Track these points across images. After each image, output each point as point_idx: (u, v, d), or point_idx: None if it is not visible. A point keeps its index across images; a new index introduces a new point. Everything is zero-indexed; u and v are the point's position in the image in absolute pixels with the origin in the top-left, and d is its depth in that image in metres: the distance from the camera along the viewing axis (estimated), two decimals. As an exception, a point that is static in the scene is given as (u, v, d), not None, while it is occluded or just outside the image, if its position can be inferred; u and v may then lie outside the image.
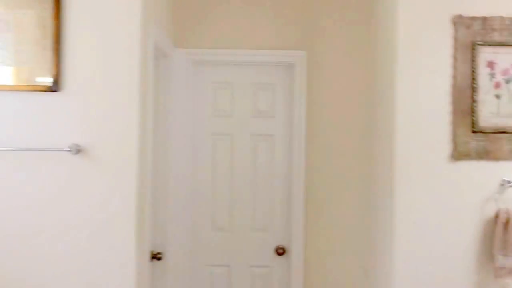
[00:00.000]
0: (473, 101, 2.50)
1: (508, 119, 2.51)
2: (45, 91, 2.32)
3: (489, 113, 2.51)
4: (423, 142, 2.53)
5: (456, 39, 2.50)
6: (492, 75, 2.50)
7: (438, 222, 2.53)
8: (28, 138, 2.33)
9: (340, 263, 3.23)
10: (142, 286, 2.50)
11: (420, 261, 2.53)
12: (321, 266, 3.24)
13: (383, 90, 2.81)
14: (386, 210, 2.70)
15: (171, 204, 3.24)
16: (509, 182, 2.50)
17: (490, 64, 2.50)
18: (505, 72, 2.50)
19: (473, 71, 2.50)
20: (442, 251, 2.53)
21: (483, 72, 2.50)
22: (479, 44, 2.49)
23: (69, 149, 2.32)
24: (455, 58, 2.51)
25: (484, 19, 2.50)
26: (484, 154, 2.51)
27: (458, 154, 2.52)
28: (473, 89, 2.50)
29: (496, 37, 2.49)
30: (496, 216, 2.49)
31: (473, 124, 2.50)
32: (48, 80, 2.32)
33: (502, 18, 2.49)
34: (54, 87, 2.32)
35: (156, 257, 3.00)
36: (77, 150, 2.33)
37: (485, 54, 2.50)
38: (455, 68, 2.51)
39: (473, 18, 2.50)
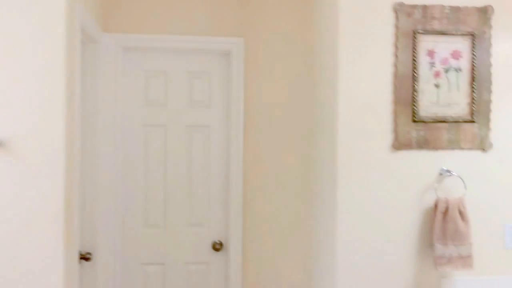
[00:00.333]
0: (414, 90, 2.48)
1: (447, 108, 2.51)
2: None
3: (429, 102, 2.50)
4: (365, 132, 2.48)
5: (397, 27, 2.47)
6: (432, 64, 2.49)
7: (380, 212, 2.50)
8: None
9: (280, 257, 3.16)
10: (71, 291, 2.30)
11: (362, 252, 2.50)
12: (260, 260, 3.15)
13: (325, 79, 2.75)
14: (328, 201, 2.64)
15: (100, 200, 3.03)
16: (447, 171, 2.51)
17: (430, 53, 2.49)
18: (444, 61, 2.50)
19: (414, 60, 2.48)
20: (383, 241, 2.51)
21: (423, 61, 2.49)
22: (419, 33, 2.47)
23: (-16, 141, 2.08)
24: (396, 47, 2.47)
25: (425, 8, 2.48)
26: (424, 144, 2.51)
27: (399, 144, 2.50)
28: (414, 78, 2.48)
29: (436, 25, 2.48)
30: (436, 205, 2.49)
31: (414, 113, 2.49)
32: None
33: (442, 6, 2.48)
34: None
35: (84, 257, 2.80)
36: (-6, 142, 2.09)
37: (425, 42, 2.48)
38: (396, 56, 2.48)
39: (414, 6, 2.47)
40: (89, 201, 2.94)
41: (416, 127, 2.50)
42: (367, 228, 2.50)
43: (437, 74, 2.50)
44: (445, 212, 2.47)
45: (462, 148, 2.53)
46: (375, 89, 2.49)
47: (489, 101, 2.53)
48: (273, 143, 3.15)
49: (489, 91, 2.53)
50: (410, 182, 2.51)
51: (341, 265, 2.49)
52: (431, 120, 2.50)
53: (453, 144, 2.52)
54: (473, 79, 2.51)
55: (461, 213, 2.46)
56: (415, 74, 2.48)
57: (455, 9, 2.50)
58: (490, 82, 2.53)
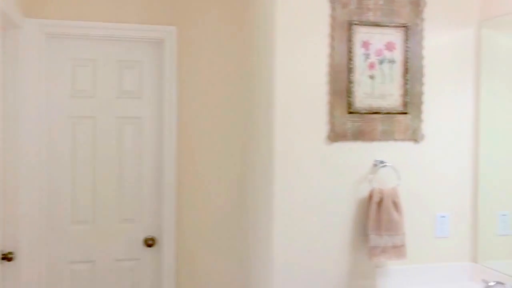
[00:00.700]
0: (350, 81, 2.48)
1: (381, 100, 2.53)
2: None
3: (364, 94, 2.51)
4: (302, 124, 2.46)
5: (333, 17, 2.46)
6: (367, 56, 2.50)
7: (316, 204, 2.49)
8: None
9: (215, 251, 3.09)
10: (-10, 294, 2.13)
11: (298, 243, 2.48)
12: (194, 255, 3.07)
13: (261, 70, 2.70)
14: (264, 193, 2.60)
15: (22, 196, 2.83)
16: (382, 162, 2.53)
17: (365, 44, 2.50)
18: (378, 52, 2.52)
19: (350, 51, 2.47)
20: (319, 232, 2.50)
21: (358, 52, 2.49)
22: (355, 24, 2.47)
23: None
24: (332, 38, 2.46)
25: (360, -2, 2.49)
26: (359, 135, 2.51)
27: (335, 135, 2.49)
28: (350, 69, 2.48)
29: (371, 17, 2.49)
30: (370, 196, 2.51)
31: (349, 105, 2.49)
32: None
33: (374, -3, 2.50)
34: None
35: (6, 257, 2.62)
36: None
37: (360, 34, 2.49)
38: (332, 47, 2.47)
39: (350, -3, 2.47)
40: (10, 198, 2.74)
41: (351, 118, 2.50)
42: (303, 219, 2.48)
43: (371, 66, 2.51)
44: (380, 202, 2.49)
45: (395, 139, 2.56)
46: (312, 80, 2.46)
47: (421, 93, 2.58)
48: (208, 135, 3.07)
49: (421, 83, 2.58)
50: (345, 173, 2.52)
51: (277, 256, 2.46)
52: (366, 112, 2.51)
53: (387, 135, 2.55)
54: (406, 71, 2.55)
55: (395, 204, 2.49)
56: (350, 66, 2.48)
57: (389, 1, 2.52)
58: (422, 74, 2.57)
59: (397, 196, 2.50)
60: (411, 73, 2.55)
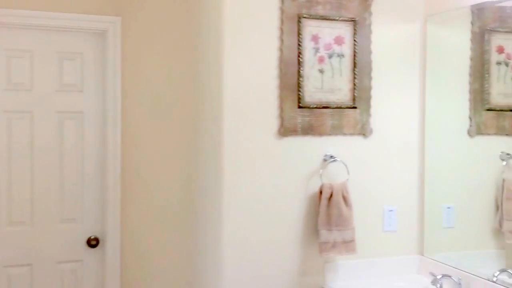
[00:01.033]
0: (299, 75, 2.45)
1: (331, 94, 2.52)
2: None
3: (314, 88, 2.49)
4: (252, 118, 2.41)
5: (282, 10, 2.42)
6: (316, 50, 2.48)
7: (266, 199, 2.45)
8: None
9: (162, 251, 2.98)
10: None
11: (249, 240, 2.43)
12: (140, 255, 2.96)
13: (209, 63, 2.63)
14: (214, 190, 2.53)
15: (-47, 196, 2.65)
16: (331, 157, 2.52)
17: (315, 38, 2.47)
18: (328, 46, 2.50)
19: (299, 45, 2.44)
20: (269, 228, 2.46)
21: (308, 46, 2.46)
22: (304, 17, 2.44)
23: None
24: (281, 31, 2.42)
25: (309, -9, 2.46)
26: (309, 130, 2.49)
27: (285, 130, 2.46)
28: (299, 63, 2.45)
29: (320, 10, 2.47)
30: (320, 191, 2.49)
31: (299, 99, 2.46)
32: None
33: (326, -9, 2.48)
34: None
35: None
36: None
37: (310, 27, 2.46)
38: (282, 41, 2.43)
39: (299, -10, 2.44)
40: None
41: (301, 113, 2.47)
42: (253, 215, 2.43)
43: (321, 60, 2.49)
44: (330, 198, 2.47)
45: (344, 134, 2.55)
46: (261, 74, 2.42)
47: (369, 87, 2.58)
48: (154, 130, 2.96)
49: (370, 78, 2.58)
50: (296, 169, 2.49)
51: (227, 253, 2.40)
52: (316, 106, 2.49)
53: (337, 130, 2.53)
54: (355, 65, 2.54)
55: (344, 198, 2.48)
56: (300, 59, 2.45)
57: (338, -5, 2.51)
58: (370, 69, 2.58)
59: (346, 191, 2.49)
60: (359, 68, 2.55)
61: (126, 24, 2.89)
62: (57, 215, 2.91)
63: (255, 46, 2.40)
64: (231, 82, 2.38)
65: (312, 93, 2.48)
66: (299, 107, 2.46)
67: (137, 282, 2.96)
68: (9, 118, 2.82)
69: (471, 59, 2.65)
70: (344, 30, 2.52)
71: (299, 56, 2.44)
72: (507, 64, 2.66)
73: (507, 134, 2.68)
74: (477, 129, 2.67)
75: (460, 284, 2.35)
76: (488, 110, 2.66)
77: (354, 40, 2.53)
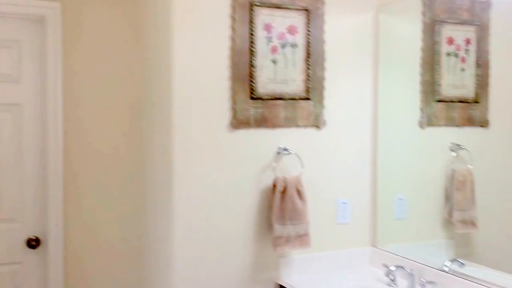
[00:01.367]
0: (252, 66, 2.38)
1: (284, 85, 2.46)
2: None
3: (267, 79, 2.42)
4: (203, 111, 2.32)
5: (234, -3, 2.33)
6: (269, 39, 2.41)
7: (218, 194, 2.37)
8: None
9: (108, 251, 2.84)
10: None
11: (200, 236, 2.35)
12: (85, 256, 2.81)
13: (158, 52, 2.50)
14: (163, 184, 2.43)
15: None
16: (285, 149, 2.46)
17: (267, 27, 2.40)
18: (281, 36, 2.43)
19: (251, 34, 2.37)
20: (222, 224, 2.39)
21: (261, 35, 2.39)
22: (256, 5, 2.37)
23: None
24: (233, 19, 2.34)
25: (261, -21, 2.38)
26: (262, 122, 2.43)
27: (237, 122, 2.38)
28: (252, 53, 2.37)
29: (273, -2, 2.40)
30: (274, 185, 2.43)
31: (252, 90, 2.39)
32: None
33: (278, -22, 2.41)
34: None
35: None
36: None
37: (262, 16, 2.38)
38: (233, 29, 2.34)
39: (251, -23, 2.36)
40: None
41: (254, 104, 2.40)
42: (205, 210, 2.35)
43: (274, 50, 2.42)
44: (284, 191, 2.42)
45: (298, 126, 2.50)
46: (212, 64, 2.33)
47: (323, 78, 2.54)
48: (99, 122, 2.80)
49: (323, 68, 2.54)
50: (249, 162, 2.42)
51: (177, 252, 2.32)
52: (269, 97, 2.43)
53: (290, 122, 2.48)
54: (308, 55, 2.49)
55: (298, 192, 2.44)
56: (252, 49, 2.37)
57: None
58: (323, 59, 2.53)
59: (300, 184, 2.45)
60: (313, 58, 2.50)
61: (67, 10, 2.71)
62: (-7, 214, 2.72)
63: (205, 34, 2.30)
64: (180, 72, 2.28)
65: (265, 84, 2.41)
66: (252, 98, 2.39)
67: (83, 284, 2.81)
68: None
69: (422, 50, 2.66)
70: (297, 20, 2.46)
71: (251, 46, 2.37)
72: (456, 55, 2.69)
73: (456, 125, 2.71)
74: (428, 121, 2.68)
75: (412, 274, 2.36)
76: (439, 101, 2.68)
77: (307, 30, 2.48)
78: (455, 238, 2.67)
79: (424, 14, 2.63)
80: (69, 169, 2.76)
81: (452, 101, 2.69)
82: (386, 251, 2.63)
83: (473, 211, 2.64)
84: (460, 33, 2.68)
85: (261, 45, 2.39)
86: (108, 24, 2.79)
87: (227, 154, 2.38)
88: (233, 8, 2.33)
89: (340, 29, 2.57)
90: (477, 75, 2.69)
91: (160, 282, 2.51)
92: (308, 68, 2.49)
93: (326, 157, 2.58)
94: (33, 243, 2.77)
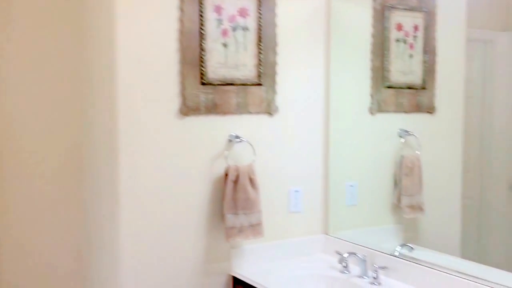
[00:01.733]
0: (202, 49, 2.27)
1: (235, 70, 2.37)
2: None
3: (217, 63, 2.32)
4: (151, 97, 2.20)
5: (182, -23, 2.21)
6: (219, 22, 2.30)
7: (168, 183, 2.27)
8: None
9: (48, 243, 2.65)
10: None
11: (149, 230, 2.24)
12: (20, 249, 2.61)
13: (100, 36, 2.33)
14: (108, 175, 2.28)
15: None
16: (237, 137, 2.38)
17: (218, 9, 2.30)
18: (231, 18, 2.34)
19: (201, 16, 2.25)
20: (172, 215, 2.29)
21: (211, 17, 2.28)
22: (206, -14, 2.26)
23: None
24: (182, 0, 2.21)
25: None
26: (213, 108, 2.33)
27: (187, 108, 2.27)
28: (201, 36, 2.26)
29: (222, -21, 2.30)
30: (226, 174, 2.35)
31: (202, 75, 2.28)
32: None
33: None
34: None
35: None
36: None
37: (212, -4, 2.28)
38: (182, 10, 2.22)
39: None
40: None
41: (204, 90, 2.30)
42: (154, 201, 2.24)
43: (224, 33, 2.32)
44: (236, 180, 2.35)
45: (250, 113, 2.43)
46: (160, 47, 2.21)
47: (274, 63, 2.47)
48: (30, 114, 2.58)
49: (275, 53, 2.47)
50: (199, 150, 2.32)
51: (125, 245, 2.21)
52: (220, 83, 2.33)
53: (242, 109, 2.40)
54: (259, 39, 2.41)
55: (251, 181, 2.37)
56: (202, 32, 2.26)
57: (242, -38, 2.35)
58: (275, 43, 2.46)
59: (253, 172, 2.38)
60: (264, 42, 2.42)
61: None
62: None
63: (152, 16, 2.18)
64: (125, 56, 2.14)
65: (215, 68, 2.31)
66: (202, 84, 2.28)
67: (18, 279, 2.62)
68: None
69: (373, 36, 2.65)
70: (248, 2, 2.36)
71: (201, 28, 2.26)
72: (405, 42, 2.70)
73: (405, 112, 2.73)
74: (378, 107, 2.69)
75: (365, 260, 2.36)
76: (388, 87, 2.69)
77: (259, 13, 2.39)
78: (404, 223, 2.70)
79: (374, 0, 2.62)
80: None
81: (401, 88, 2.71)
82: (338, 238, 2.62)
83: (420, 196, 2.68)
84: (409, 20, 2.69)
85: (211, 28, 2.28)
86: (45, 5, 2.57)
87: (177, 143, 2.27)
88: (182, -13, 2.21)
89: (292, 13, 2.51)
90: (425, 62, 2.71)
91: (106, 276, 2.37)
92: (260, 53, 2.41)
93: (278, 144, 2.52)
94: (-38, 241, 2.55)
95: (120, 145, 2.16)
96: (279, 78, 2.48)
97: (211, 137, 2.34)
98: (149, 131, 2.21)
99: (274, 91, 2.47)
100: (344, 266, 2.41)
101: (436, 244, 2.59)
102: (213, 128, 2.34)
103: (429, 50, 2.71)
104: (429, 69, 2.72)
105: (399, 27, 2.67)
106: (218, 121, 2.35)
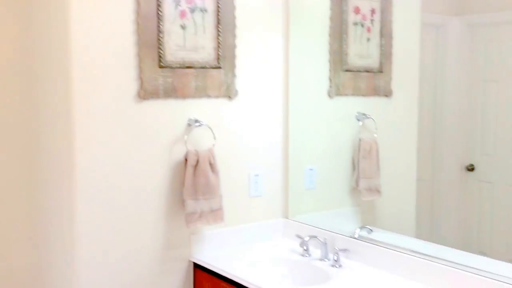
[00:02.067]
0: (159, 31, 2.20)
1: (194, 53, 2.31)
2: None
3: (176, 46, 2.26)
4: (107, 80, 2.12)
5: (138, -45, 2.13)
6: (177, 3, 2.24)
7: (126, 170, 2.20)
8: None
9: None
10: None
11: (107, 216, 2.18)
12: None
13: (51, 17, 2.23)
14: (62, 162, 2.19)
15: None
16: (196, 121, 2.34)
17: (169, -11, 2.23)
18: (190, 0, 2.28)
19: (158, -4, 2.18)
20: (129, 201, 2.22)
21: (166, -3, 2.21)
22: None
23: None
24: (138, -22, 2.14)
25: None
26: (172, 92, 2.27)
27: (145, 92, 2.21)
28: (159, 17, 2.19)
29: (182, -41, 2.23)
30: (186, 159, 2.30)
31: (160, 58, 2.22)
32: None
33: None
34: None
35: None
36: None
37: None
38: (138, -9, 2.14)
39: None
40: None
41: (163, 73, 2.24)
42: (112, 188, 2.18)
43: (183, 14, 2.26)
44: (196, 165, 2.30)
45: (209, 96, 2.38)
46: (116, 28, 2.13)
47: (233, 46, 2.43)
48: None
49: (234, 35, 2.42)
50: (158, 135, 2.27)
51: (82, 234, 2.13)
52: (179, 66, 2.27)
53: (201, 92, 2.35)
54: (218, 21, 2.36)
55: (211, 165, 2.33)
56: (159, 13, 2.20)
57: None
58: (234, 26, 2.42)
59: (213, 157, 2.34)
60: (223, 24, 2.37)
61: None
62: None
63: (104, -4, 2.09)
64: (80, 39, 2.06)
65: (174, 51, 2.25)
66: (160, 67, 2.22)
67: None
68: None
69: (331, 19, 2.65)
70: (206, -18, 2.31)
71: (158, 9, 2.19)
72: (362, 25, 2.71)
73: (363, 95, 2.76)
74: (336, 90, 2.69)
75: (325, 243, 2.38)
76: (346, 71, 2.70)
77: (218, -6, 2.34)
78: (362, 205, 2.73)
79: (333, -18, 2.61)
80: None
81: (359, 71, 2.73)
82: (298, 222, 2.62)
83: (378, 179, 2.72)
84: (366, 3, 2.70)
85: (168, 9, 2.22)
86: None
87: (135, 127, 2.20)
88: (138, -34, 2.13)
89: (251, -6, 2.47)
90: (382, 45, 2.74)
91: (62, 269, 2.29)
92: (219, 35, 2.36)
93: (238, 128, 2.49)
94: None
95: (76, 131, 2.08)
96: (239, 62, 2.44)
97: (170, 121, 2.28)
98: (106, 116, 2.13)
99: (233, 75, 2.43)
100: (305, 250, 2.42)
101: (393, 226, 2.64)
102: (172, 112, 2.28)
103: (386, 34, 2.74)
104: (386, 53, 2.75)
105: (357, 10, 2.68)
106: (177, 105, 2.29)
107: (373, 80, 2.75)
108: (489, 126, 2.54)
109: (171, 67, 2.24)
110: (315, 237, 2.40)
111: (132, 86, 2.17)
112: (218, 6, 2.35)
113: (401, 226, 2.68)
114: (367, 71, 2.74)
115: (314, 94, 2.69)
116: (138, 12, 2.15)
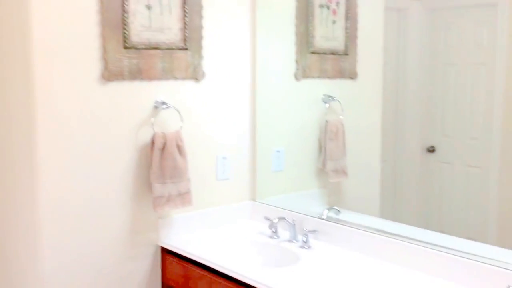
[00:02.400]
0: (124, 11, 2.14)
1: (160, 34, 2.26)
2: None
3: (141, 26, 2.20)
4: (70, 61, 2.05)
5: None
6: (144, -18, 2.18)
7: (90, 154, 2.14)
8: None
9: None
10: None
11: (71, 203, 2.12)
12: None
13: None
14: (24, 147, 2.12)
15: None
16: (163, 103, 2.30)
17: (142, -31, 2.17)
18: (153, -21, 2.22)
19: (123, -26, 2.12)
20: (95, 185, 2.17)
21: (136, -24, 2.15)
22: None
23: None
24: (101, -44, 2.07)
25: None
26: (137, 73, 2.22)
27: (110, 74, 2.15)
28: (123, -4, 2.13)
29: None
30: (153, 142, 2.26)
31: (125, 38, 2.16)
32: None
33: None
34: None
35: None
36: None
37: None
38: (101, -32, 2.08)
39: None
40: None
41: (128, 54, 2.18)
42: (76, 171, 2.12)
43: (151, -6, 2.21)
44: (163, 148, 2.27)
45: (176, 78, 2.34)
46: (78, 8, 2.05)
47: (200, 27, 2.38)
48: None
49: (200, 16, 2.38)
50: (124, 117, 2.22)
51: (45, 221, 2.07)
52: (144, 47, 2.22)
53: (168, 74, 2.31)
54: (184, 1, 2.31)
55: (179, 148, 2.30)
56: (124, -8, 2.13)
57: None
58: (201, 6, 2.37)
59: (181, 139, 2.31)
60: (189, 5, 2.32)
61: None
62: None
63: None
64: (40, 18, 1.97)
65: (139, 32, 2.19)
66: (125, 47, 2.16)
67: None
68: None
69: (297, 0, 2.63)
70: (170, -40, 2.25)
71: (122, -12, 2.13)
72: (328, 8, 2.71)
73: (329, 77, 2.77)
74: (303, 72, 2.69)
75: (294, 225, 2.38)
76: (313, 53, 2.70)
77: (179, -27, 2.29)
78: (328, 187, 2.76)
79: (299, -37, 2.60)
80: None
81: (324, 53, 2.73)
82: (266, 204, 2.62)
83: (344, 161, 2.75)
84: (332, -15, 2.70)
85: (133, -12, 2.16)
86: None
87: (99, 110, 2.14)
88: None
89: (216, -25, 2.43)
90: (347, 28, 2.75)
91: (26, 252, 2.22)
92: (185, 16, 2.31)
93: (205, 110, 2.46)
94: None
95: (38, 114, 2.01)
96: (206, 43, 2.40)
97: (136, 103, 2.23)
98: (69, 98, 2.06)
99: (200, 56, 2.39)
100: (274, 232, 2.42)
101: (359, 206, 2.68)
102: (138, 94, 2.23)
103: (351, 17, 2.75)
104: (351, 35, 2.76)
105: (323, -8, 2.67)
106: (143, 86, 2.24)
107: (338, 62, 2.77)
108: (448, 108, 2.59)
109: (136, 48, 2.19)
110: (284, 218, 2.40)
111: (96, 67, 2.11)
112: (184, -14, 2.30)
113: (366, 207, 2.72)
114: (333, 54, 2.75)
115: (281, 76, 2.68)
116: (102, -9, 2.09)
